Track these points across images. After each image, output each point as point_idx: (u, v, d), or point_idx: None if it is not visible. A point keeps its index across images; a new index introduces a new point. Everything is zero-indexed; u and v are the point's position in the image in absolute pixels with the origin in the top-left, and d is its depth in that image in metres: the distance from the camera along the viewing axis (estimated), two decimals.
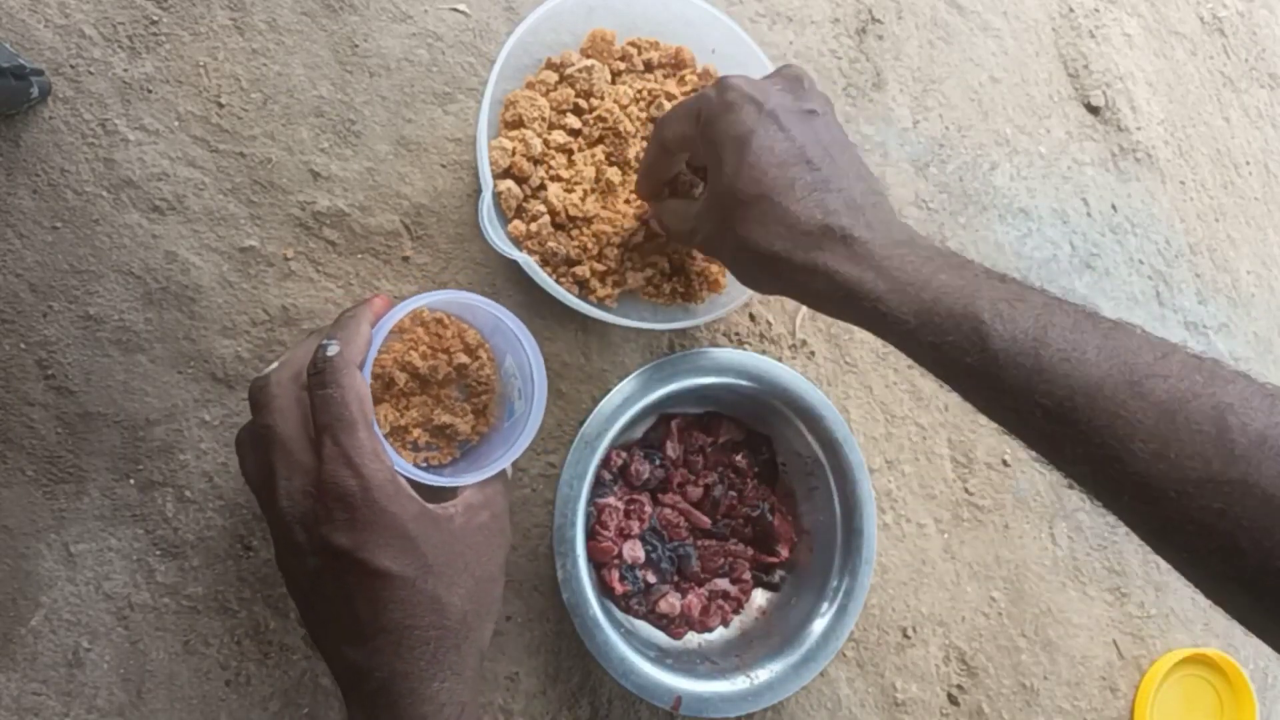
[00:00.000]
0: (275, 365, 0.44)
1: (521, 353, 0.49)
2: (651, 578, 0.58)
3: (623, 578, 0.57)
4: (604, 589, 0.57)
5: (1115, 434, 0.34)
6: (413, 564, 0.40)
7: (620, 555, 0.57)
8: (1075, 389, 0.35)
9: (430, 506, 0.42)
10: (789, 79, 0.46)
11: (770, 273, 0.43)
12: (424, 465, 0.52)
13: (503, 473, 0.48)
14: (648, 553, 0.58)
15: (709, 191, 0.45)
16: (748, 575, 0.60)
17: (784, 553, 0.61)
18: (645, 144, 0.60)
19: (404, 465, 0.42)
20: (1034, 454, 0.39)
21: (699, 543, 0.59)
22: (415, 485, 0.42)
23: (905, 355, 0.41)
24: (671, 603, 0.58)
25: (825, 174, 0.42)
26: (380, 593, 0.40)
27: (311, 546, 0.40)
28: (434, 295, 0.46)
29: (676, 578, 0.59)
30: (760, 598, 0.61)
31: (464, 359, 0.53)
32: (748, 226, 0.42)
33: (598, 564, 0.57)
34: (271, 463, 0.41)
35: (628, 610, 0.58)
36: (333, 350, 0.41)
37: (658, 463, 0.59)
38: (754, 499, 0.60)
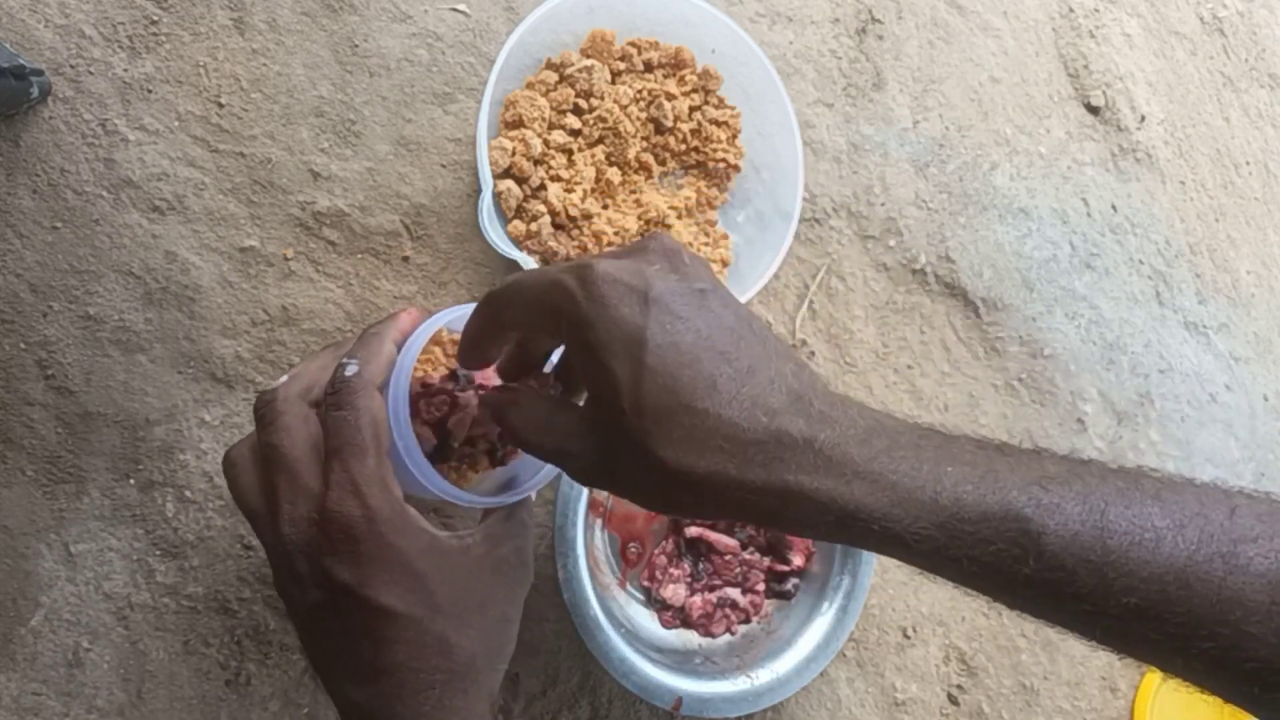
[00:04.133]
0: (284, 379, 0.41)
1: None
2: (673, 569, 0.58)
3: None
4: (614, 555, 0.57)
5: (1226, 621, 0.30)
6: (419, 602, 0.38)
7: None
8: (1161, 578, 0.30)
9: (444, 537, 0.39)
10: (665, 253, 0.36)
11: (715, 499, 0.34)
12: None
13: (527, 502, 0.44)
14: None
15: (592, 409, 0.35)
16: (761, 587, 0.59)
17: (797, 561, 0.60)
18: (643, 144, 0.60)
19: (443, 485, 0.40)
20: (1122, 655, 0.33)
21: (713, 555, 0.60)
22: (443, 504, 0.40)
23: (931, 573, 0.34)
24: (675, 592, 0.58)
25: (747, 362, 0.34)
26: (384, 632, 0.37)
27: (314, 578, 0.37)
28: (457, 311, 0.43)
29: (689, 577, 0.59)
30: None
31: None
32: (669, 447, 0.33)
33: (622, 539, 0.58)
34: (275, 484, 0.38)
35: (624, 581, 0.58)
36: (351, 370, 0.39)
37: None
38: None
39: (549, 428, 0.37)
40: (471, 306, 0.43)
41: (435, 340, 0.48)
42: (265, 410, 0.40)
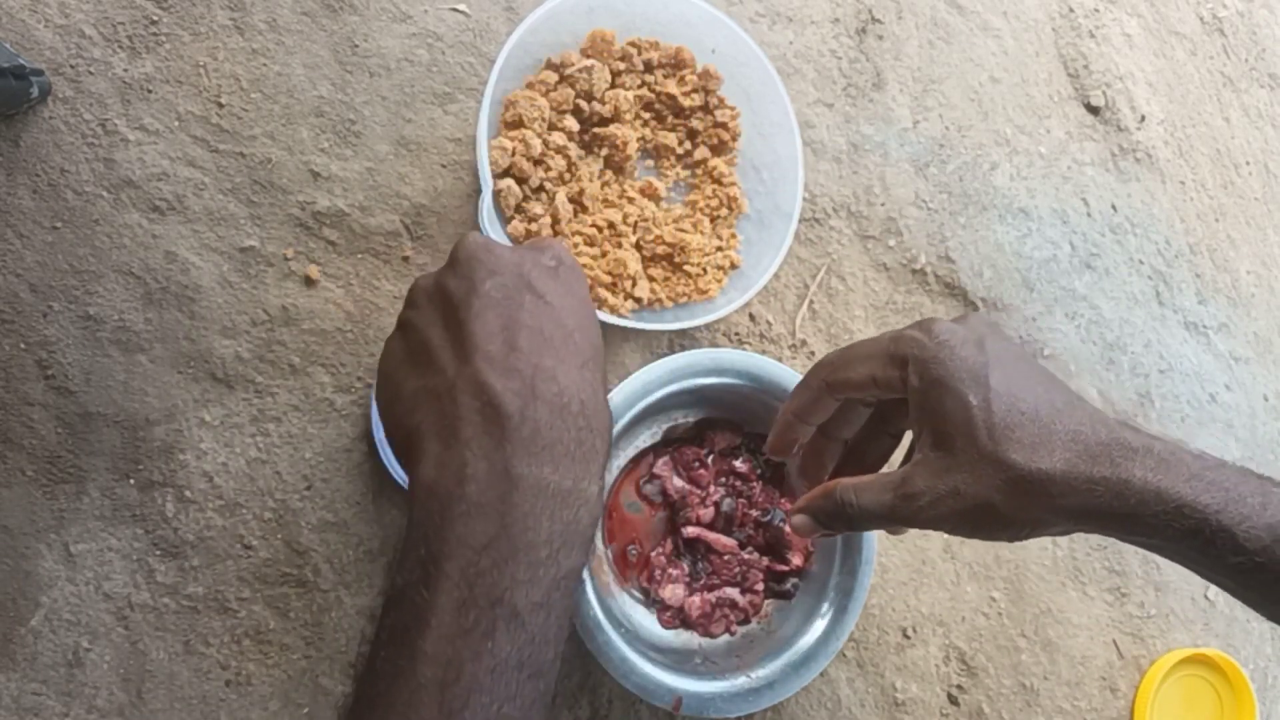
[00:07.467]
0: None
1: None
2: (671, 569, 0.58)
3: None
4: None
5: None
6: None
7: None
8: None
9: None
10: (986, 322, 0.44)
11: (1062, 497, 0.39)
12: None
13: None
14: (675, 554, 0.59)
15: (933, 444, 0.41)
16: (760, 586, 0.59)
17: (796, 560, 0.60)
18: (642, 144, 0.60)
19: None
20: None
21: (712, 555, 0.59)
22: None
23: (1244, 585, 0.38)
24: (674, 592, 0.58)
25: (1073, 394, 0.41)
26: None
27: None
28: None
29: (688, 577, 0.59)
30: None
31: None
32: (1022, 452, 0.39)
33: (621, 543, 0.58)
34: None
35: (624, 580, 0.58)
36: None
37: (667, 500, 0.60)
38: (764, 502, 0.60)
39: (887, 484, 0.42)
40: None
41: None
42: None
